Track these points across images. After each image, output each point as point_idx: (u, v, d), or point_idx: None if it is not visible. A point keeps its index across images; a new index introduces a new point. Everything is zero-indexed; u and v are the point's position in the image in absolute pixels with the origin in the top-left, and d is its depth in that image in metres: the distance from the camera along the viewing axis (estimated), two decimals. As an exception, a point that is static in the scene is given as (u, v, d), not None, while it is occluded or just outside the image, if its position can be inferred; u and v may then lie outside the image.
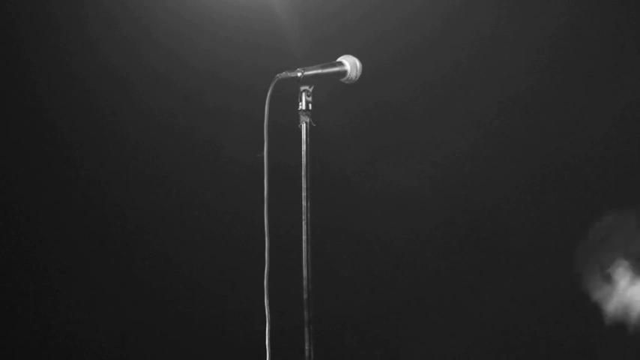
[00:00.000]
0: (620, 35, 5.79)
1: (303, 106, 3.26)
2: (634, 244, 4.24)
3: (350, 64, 3.35)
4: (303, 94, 3.26)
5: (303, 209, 3.20)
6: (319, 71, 3.30)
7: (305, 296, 3.16)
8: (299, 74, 3.25)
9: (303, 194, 3.21)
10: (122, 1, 5.99)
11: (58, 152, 6.32)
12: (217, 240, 6.29)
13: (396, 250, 6.24)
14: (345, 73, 3.34)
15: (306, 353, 3.14)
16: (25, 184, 6.31)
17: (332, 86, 3.39)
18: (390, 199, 6.25)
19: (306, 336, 3.14)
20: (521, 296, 5.70)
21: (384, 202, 6.26)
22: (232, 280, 6.13)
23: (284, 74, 3.26)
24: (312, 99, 3.27)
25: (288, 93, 3.27)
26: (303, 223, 3.19)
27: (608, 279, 4.24)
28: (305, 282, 3.17)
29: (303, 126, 3.25)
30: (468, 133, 6.02)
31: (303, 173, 3.22)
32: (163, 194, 6.34)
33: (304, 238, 3.19)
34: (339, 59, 3.37)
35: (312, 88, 3.27)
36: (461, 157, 6.08)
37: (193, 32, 5.96)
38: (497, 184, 6.03)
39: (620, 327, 4.17)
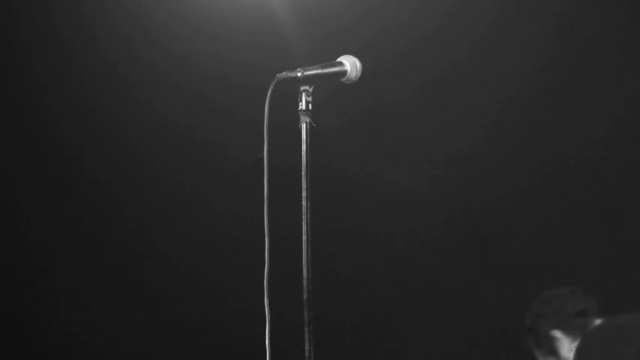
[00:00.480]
0: (620, 35, 5.79)
1: (303, 106, 3.25)
2: (563, 312, 4.48)
3: (350, 64, 3.34)
4: (303, 94, 3.26)
5: (303, 209, 3.19)
6: (319, 71, 3.29)
7: (305, 296, 3.16)
8: (299, 74, 3.25)
9: (303, 194, 3.21)
10: (122, 1, 5.99)
11: (58, 152, 6.32)
12: (217, 240, 6.29)
13: (396, 250, 6.24)
14: (345, 73, 3.34)
15: (306, 353, 3.14)
16: (25, 184, 6.31)
17: (332, 86, 3.39)
18: (390, 199, 6.25)
19: (306, 336, 3.14)
20: (521, 296, 5.69)
21: (384, 202, 6.26)
22: (232, 280, 6.13)
23: (284, 74, 3.25)
24: (312, 99, 3.27)
25: (288, 93, 3.26)
26: (303, 223, 3.18)
27: (551, 349, 4.48)
28: (305, 282, 3.16)
29: (303, 126, 3.25)
30: (468, 133, 6.02)
31: (303, 173, 3.21)
32: (163, 194, 6.34)
33: (304, 238, 3.18)
34: (339, 59, 3.36)
35: (312, 88, 3.27)
36: (461, 157, 6.08)
37: (193, 32, 5.96)
38: (497, 184, 6.03)
39: None
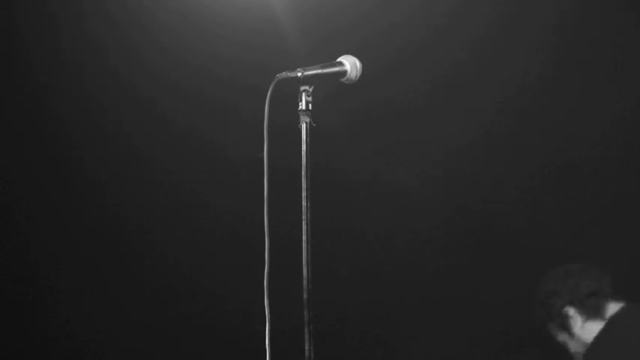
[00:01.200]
0: (620, 35, 5.79)
1: (303, 106, 3.25)
2: (577, 291, 4.52)
3: (350, 64, 3.34)
4: (303, 94, 3.26)
5: (303, 209, 3.19)
6: (319, 71, 3.29)
7: (305, 296, 3.16)
8: (299, 74, 3.25)
9: (303, 194, 3.21)
10: (122, 1, 5.99)
11: (58, 152, 6.31)
12: (217, 240, 6.29)
13: (396, 250, 6.24)
14: (345, 73, 3.34)
15: (306, 353, 3.14)
16: (25, 184, 6.31)
17: (332, 86, 3.39)
18: (390, 199, 6.25)
19: (306, 336, 3.14)
20: (521, 296, 5.70)
21: (384, 202, 6.26)
22: (232, 280, 6.13)
23: (284, 74, 3.25)
24: (312, 99, 3.27)
25: (288, 93, 3.26)
26: (303, 223, 3.18)
27: (563, 325, 4.53)
28: (305, 282, 3.17)
29: (303, 126, 3.25)
30: (468, 133, 6.03)
31: (303, 173, 3.22)
32: (163, 194, 6.34)
33: (304, 238, 3.18)
34: (339, 59, 3.36)
35: (312, 88, 3.27)
36: (461, 157, 6.08)
37: (193, 32, 5.95)
38: (497, 184, 6.03)
39: None
